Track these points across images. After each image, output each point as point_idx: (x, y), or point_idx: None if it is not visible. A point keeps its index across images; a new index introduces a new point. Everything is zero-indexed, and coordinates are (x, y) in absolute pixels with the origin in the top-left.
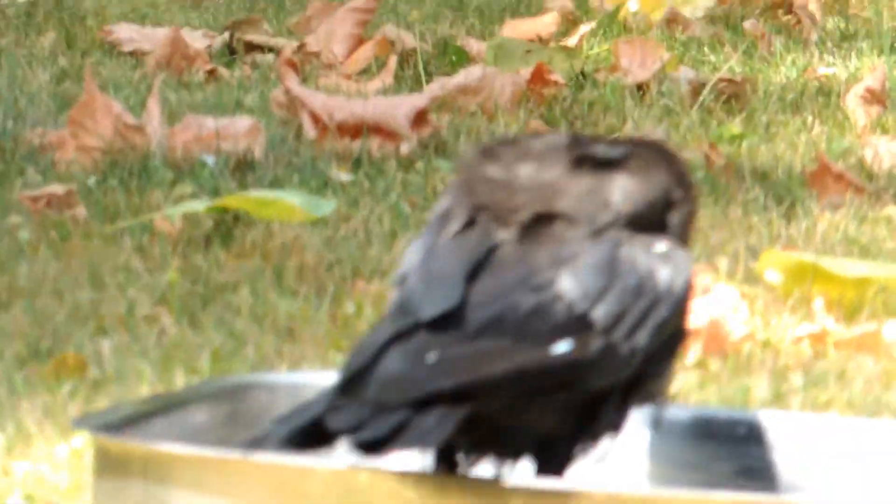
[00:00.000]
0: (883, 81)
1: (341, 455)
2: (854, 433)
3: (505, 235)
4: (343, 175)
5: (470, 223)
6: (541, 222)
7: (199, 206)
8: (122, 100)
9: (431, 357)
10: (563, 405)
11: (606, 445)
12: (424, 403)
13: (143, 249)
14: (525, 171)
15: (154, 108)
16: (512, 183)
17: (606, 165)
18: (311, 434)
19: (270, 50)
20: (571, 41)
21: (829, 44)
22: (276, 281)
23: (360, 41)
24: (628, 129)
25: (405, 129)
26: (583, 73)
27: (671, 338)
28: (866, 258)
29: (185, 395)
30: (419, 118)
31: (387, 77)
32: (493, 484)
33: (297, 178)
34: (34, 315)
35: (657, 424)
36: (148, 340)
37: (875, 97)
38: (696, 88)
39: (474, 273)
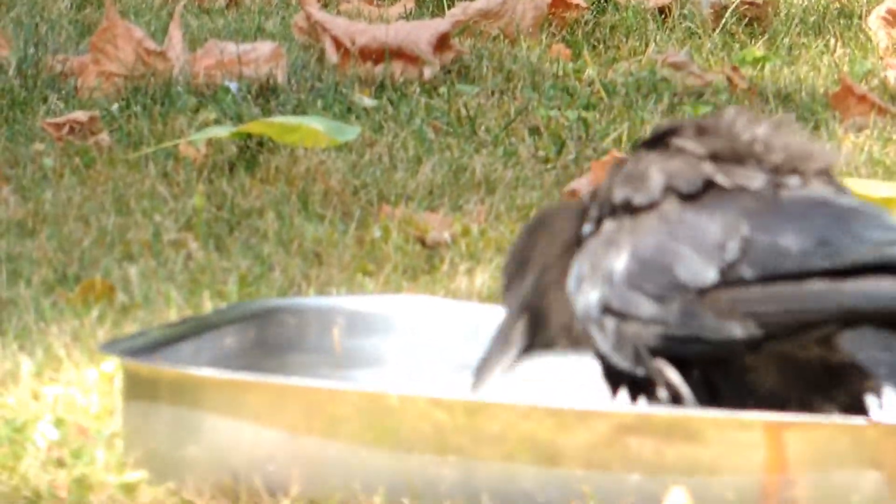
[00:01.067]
0: None
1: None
2: None
3: None
4: (367, 100)
5: None
6: None
7: (223, 131)
8: (143, 26)
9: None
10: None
11: None
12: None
13: (168, 175)
14: None
15: (176, 33)
16: None
17: None
18: None
19: None
20: None
21: None
22: (302, 206)
23: None
24: (651, 53)
25: (428, 54)
26: None
27: None
28: (891, 179)
29: (213, 319)
30: (441, 43)
31: (408, 2)
32: (519, 407)
33: (320, 104)
34: (60, 241)
35: None
36: (175, 265)
37: None
38: (719, 11)
39: None
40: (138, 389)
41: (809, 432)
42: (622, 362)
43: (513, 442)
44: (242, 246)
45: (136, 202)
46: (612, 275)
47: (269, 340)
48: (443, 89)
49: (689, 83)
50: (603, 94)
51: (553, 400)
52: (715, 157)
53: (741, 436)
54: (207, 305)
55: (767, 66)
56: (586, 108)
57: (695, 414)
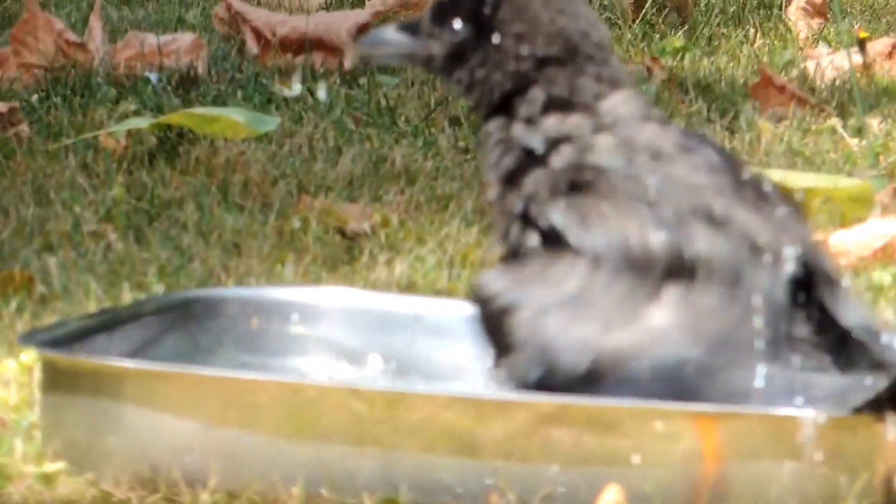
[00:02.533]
0: None
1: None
2: None
3: None
4: (287, 90)
5: None
6: None
7: (143, 123)
8: (63, 17)
9: None
10: None
11: None
12: None
13: (88, 166)
14: None
15: (96, 25)
16: None
17: None
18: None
19: None
20: None
21: None
22: (222, 197)
23: None
24: None
25: (348, 44)
26: None
27: None
28: (810, 169)
29: (133, 310)
30: (361, 33)
31: None
32: (438, 398)
33: (240, 95)
34: None
35: None
36: (94, 257)
37: (816, 9)
38: (639, 2)
39: None
40: (57, 380)
41: (730, 423)
42: None
43: (432, 433)
44: (162, 237)
45: (55, 193)
46: None
47: (188, 331)
48: (363, 80)
49: None
50: None
51: (472, 390)
52: None
53: (662, 426)
54: (127, 296)
55: (687, 57)
56: None
57: (615, 404)
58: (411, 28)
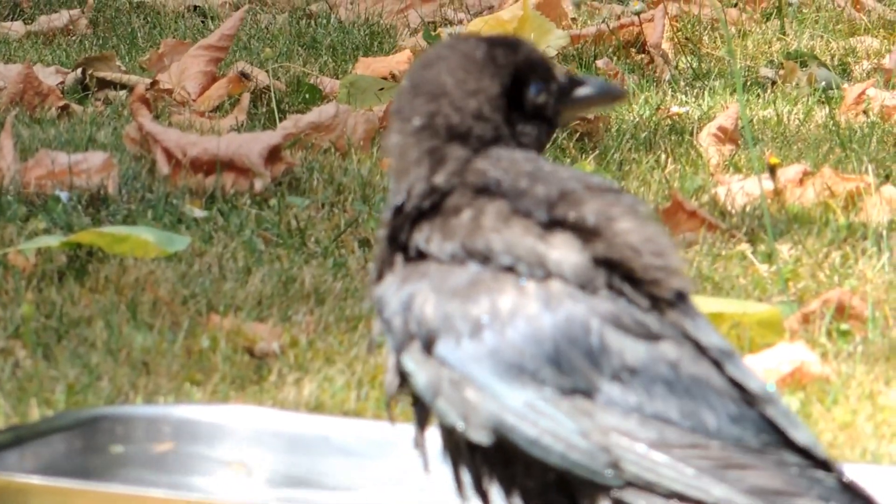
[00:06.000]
0: (735, 120)
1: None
2: None
3: None
4: (197, 211)
5: None
6: None
7: (53, 241)
8: None
9: None
10: None
11: None
12: None
13: None
14: None
15: (7, 143)
16: None
17: None
18: None
19: (123, 86)
20: None
21: (682, 83)
22: (131, 315)
23: (213, 78)
24: None
25: (259, 166)
26: None
27: None
28: (719, 294)
29: (41, 427)
30: (273, 155)
31: (240, 114)
32: None
33: (150, 214)
34: None
35: None
36: (2, 373)
37: (728, 136)
38: None
39: None
40: None
41: None
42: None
43: None
44: (71, 355)
45: None
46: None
47: (96, 448)
48: (273, 201)
49: None
50: None
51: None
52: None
53: None
54: (35, 413)
55: None
56: None
57: None
58: None
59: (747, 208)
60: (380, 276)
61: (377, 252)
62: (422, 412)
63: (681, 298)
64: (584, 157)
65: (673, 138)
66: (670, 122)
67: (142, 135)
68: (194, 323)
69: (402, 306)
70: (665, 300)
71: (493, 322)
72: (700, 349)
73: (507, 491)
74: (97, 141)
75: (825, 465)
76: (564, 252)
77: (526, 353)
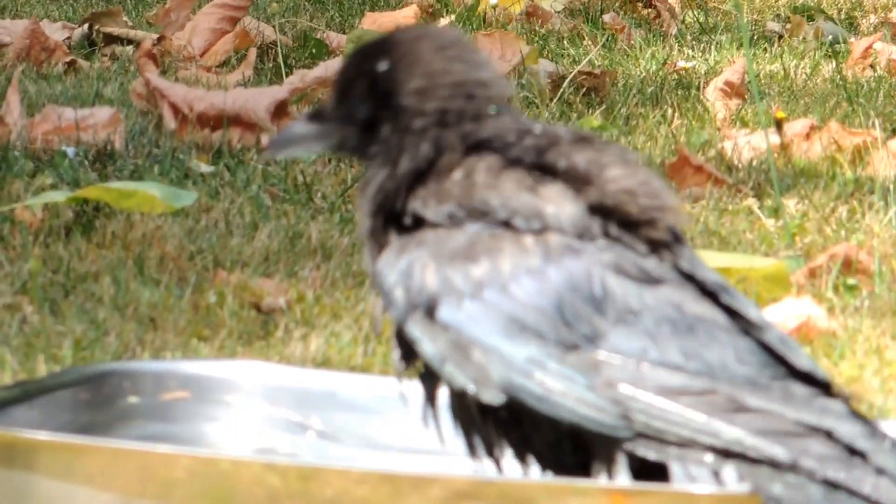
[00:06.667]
0: (742, 75)
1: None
2: None
3: None
4: (203, 166)
5: None
6: None
7: (60, 196)
8: None
9: None
10: None
11: None
12: None
13: (4, 239)
14: None
15: (14, 99)
16: None
17: None
18: None
19: (129, 42)
20: None
21: (689, 37)
22: (138, 271)
23: (220, 34)
24: None
25: (265, 121)
26: None
27: None
28: (726, 249)
29: (48, 382)
30: (279, 110)
31: (247, 69)
32: (353, 473)
33: (157, 170)
34: None
35: None
36: (9, 329)
37: (734, 90)
38: (556, 81)
39: None
40: None
41: (643, 499)
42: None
43: None
44: (78, 310)
45: None
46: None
47: (103, 404)
48: (280, 156)
49: None
50: None
51: (387, 466)
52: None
53: (577, 502)
54: (42, 369)
55: (605, 136)
56: None
57: (530, 481)
58: (318, 115)
59: (754, 163)
60: (374, 253)
61: (364, 230)
62: (430, 383)
63: (675, 238)
64: (590, 111)
65: (679, 93)
66: (677, 77)
67: (148, 90)
68: (201, 278)
69: (402, 276)
70: (661, 241)
71: (494, 281)
72: (699, 287)
73: (520, 452)
74: (104, 96)
75: (827, 387)
76: (559, 203)
77: (529, 309)
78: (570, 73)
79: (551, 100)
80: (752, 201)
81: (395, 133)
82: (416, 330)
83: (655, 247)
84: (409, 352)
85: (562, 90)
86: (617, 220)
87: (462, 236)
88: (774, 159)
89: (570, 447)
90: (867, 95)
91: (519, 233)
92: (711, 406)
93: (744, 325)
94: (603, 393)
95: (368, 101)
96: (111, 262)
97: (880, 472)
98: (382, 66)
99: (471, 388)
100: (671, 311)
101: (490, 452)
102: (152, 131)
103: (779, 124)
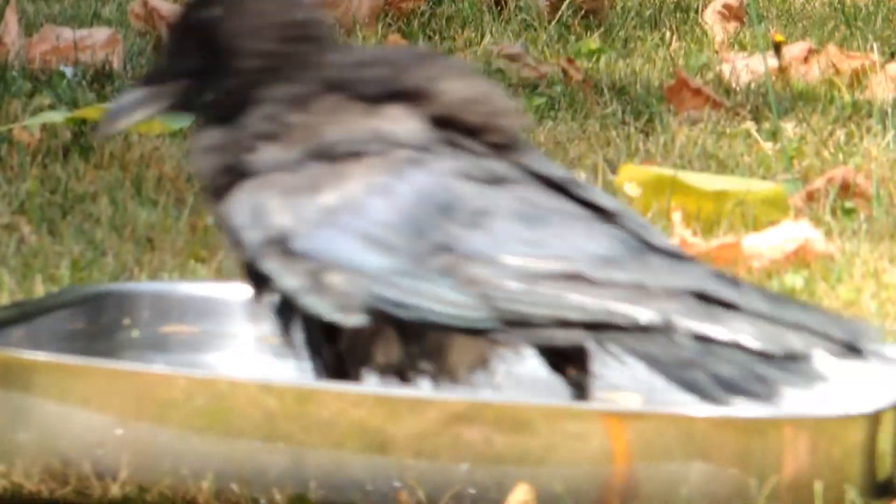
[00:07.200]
0: None
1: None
2: None
3: None
4: None
5: None
6: None
7: (58, 116)
8: None
9: None
10: None
11: None
12: None
13: (2, 160)
14: None
15: (11, 18)
16: None
17: None
18: None
19: None
20: None
21: None
22: (136, 191)
23: None
24: (486, 44)
25: None
26: None
27: None
28: (724, 172)
29: (45, 303)
30: None
31: None
32: (349, 394)
33: None
34: None
35: None
36: (7, 249)
37: (732, 13)
38: (555, 4)
39: None
40: None
41: (640, 422)
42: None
43: (342, 429)
44: (75, 230)
45: None
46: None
47: (100, 325)
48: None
49: (525, 75)
50: None
51: (383, 387)
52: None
53: (573, 426)
54: (39, 289)
55: (603, 59)
56: None
57: (526, 404)
58: (150, 78)
59: (752, 86)
60: (216, 198)
61: (208, 181)
62: (287, 316)
63: (519, 140)
64: (588, 34)
65: (678, 16)
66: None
67: (146, 10)
68: (199, 199)
69: (252, 216)
70: (505, 145)
71: (346, 205)
72: (548, 182)
73: (381, 369)
74: (102, 17)
75: (688, 259)
76: (399, 121)
77: (384, 225)
78: None
79: (549, 22)
80: (750, 124)
81: (230, 81)
82: (273, 265)
83: (500, 150)
84: (260, 288)
85: (560, 13)
86: (459, 128)
87: (310, 171)
88: (772, 82)
89: (433, 357)
90: (865, 19)
91: (363, 157)
92: (575, 284)
93: (598, 214)
94: (467, 290)
95: (200, 52)
96: (109, 182)
97: (755, 318)
98: (212, 13)
99: (336, 317)
100: (523, 206)
101: (354, 374)
102: (150, 52)
103: (777, 47)
